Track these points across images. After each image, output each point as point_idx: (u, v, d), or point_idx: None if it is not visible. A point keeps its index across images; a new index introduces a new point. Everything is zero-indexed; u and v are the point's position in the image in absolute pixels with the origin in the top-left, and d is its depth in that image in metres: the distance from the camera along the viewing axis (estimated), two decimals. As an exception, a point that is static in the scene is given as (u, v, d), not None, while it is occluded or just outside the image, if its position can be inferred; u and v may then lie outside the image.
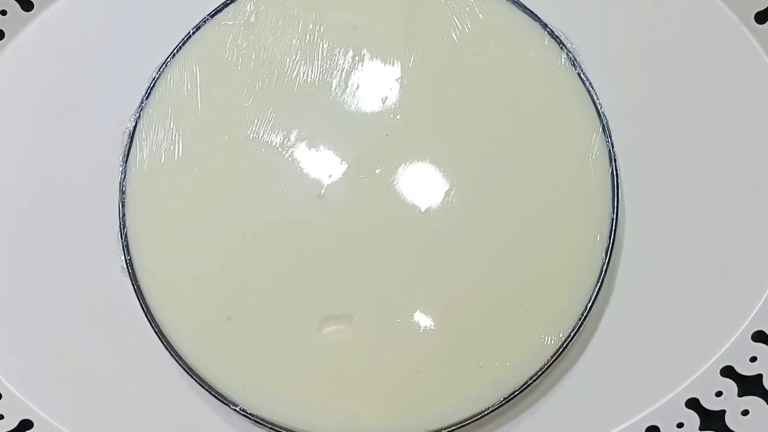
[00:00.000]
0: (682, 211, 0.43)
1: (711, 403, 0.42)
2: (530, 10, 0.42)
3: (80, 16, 0.46)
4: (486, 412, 0.39)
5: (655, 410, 0.42)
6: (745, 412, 0.41)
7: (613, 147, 0.40)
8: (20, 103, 0.46)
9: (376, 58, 0.42)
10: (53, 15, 0.46)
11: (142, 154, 0.42)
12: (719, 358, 0.42)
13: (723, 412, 0.41)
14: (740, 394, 0.41)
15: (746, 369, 0.42)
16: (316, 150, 0.41)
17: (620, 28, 0.45)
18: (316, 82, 0.42)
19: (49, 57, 0.46)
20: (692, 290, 0.43)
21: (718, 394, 0.42)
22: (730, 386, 0.42)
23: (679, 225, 0.43)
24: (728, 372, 0.42)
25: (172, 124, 0.42)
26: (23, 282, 0.44)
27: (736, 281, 0.43)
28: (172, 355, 0.40)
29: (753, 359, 0.42)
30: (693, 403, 0.42)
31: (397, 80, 0.42)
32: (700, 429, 0.42)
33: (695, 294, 0.43)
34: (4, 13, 0.45)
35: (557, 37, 0.41)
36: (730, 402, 0.41)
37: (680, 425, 0.41)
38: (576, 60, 0.41)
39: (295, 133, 0.42)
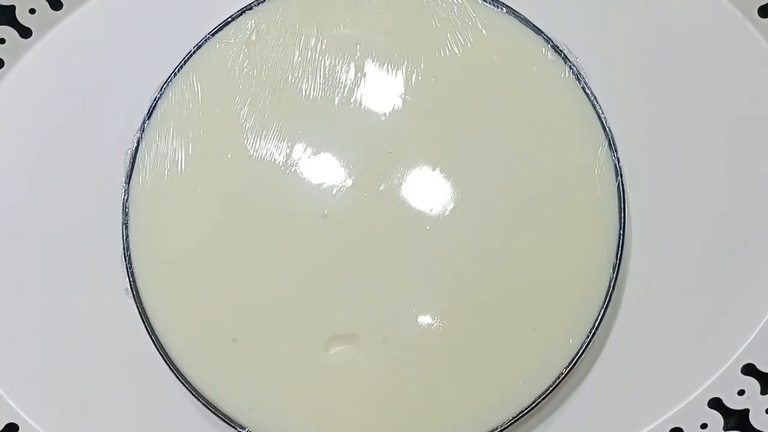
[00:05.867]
0: (691, 222, 0.43)
1: (734, 402, 0.42)
2: (533, 24, 0.41)
3: (80, 37, 0.46)
4: (496, 431, 0.39)
5: (676, 413, 0.42)
6: (770, 410, 0.41)
7: (619, 161, 0.40)
8: (21, 129, 0.45)
9: (379, 74, 0.42)
10: (53, 39, 0.46)
11: (145, 174, 0.42)
12: (740, 356, 0.42)
13: (747, 410, 0.41)
14: (763, 392, 0.41)
15: (768, 366, 0.42)
16: (319, 168, 0.41)
17: (623, 38, 0.44)
18: (319, 98, 0.42)
19: (49, 80, 0.46)
20: (705, 297, 0.42)
21: (741, 392, 0.42)
22: (752, 384, 0.42)
23: (687, 236, 0.43)
24: (750, 370, 0.42)
25: (174, 143, 0.42)
26: (27, 303, 0.44)
27: (749, 284, 0.42)
28: (177, 377, 0.40)
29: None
30: (715, 403, 0.42)
31: (399, 96, 0.41)
32: (724, 429, 0.41)
33: (708, 301, 0.42)
34: (2, 41, 0.45)
35: (561, 51, 0.41)
36: (753, 400, 0.41)
37: (704, 426, 0.41)
38: (580, 74, 0.41)
39: (298, 150, 0.41)
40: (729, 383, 0.42)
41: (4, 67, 0.46)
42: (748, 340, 0.42)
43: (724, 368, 0.42)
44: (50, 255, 0.44)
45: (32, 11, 0.45)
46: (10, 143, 0.45)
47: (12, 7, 0.45)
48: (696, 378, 0.42)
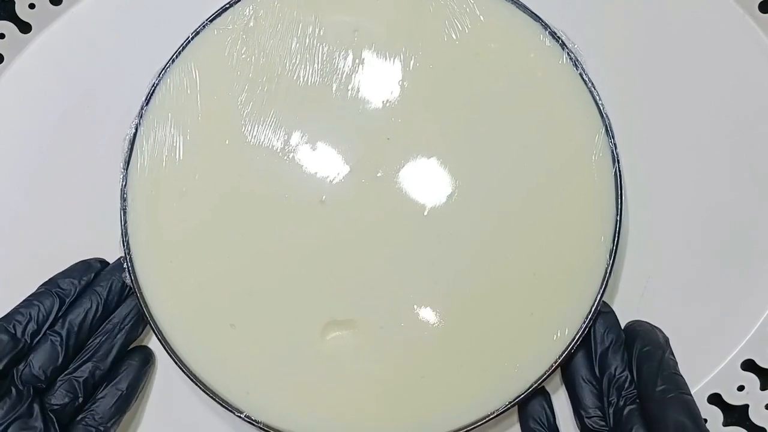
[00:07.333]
0: (689, 210, 0.43)
1: (733, 398, 0.42)
2: (531, 11, 0.41)
3: (80, 33, 0.46)
4: (492, 416, 0.39)
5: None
6: (769, 406, 0.41)
7: (616, 147, 0.40)
8: (21, 124, 0.46)
9: (377, 60, 0.42)
10: (53, 34, 0.46)
11: (143, 161, 0.42)
12: (739, 352, 0.42)
13: (746, 406, 0.42)
14: (763, 388, 0.42)
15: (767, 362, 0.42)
16: (318, 154, 0.41)
17: (622, 26, 0.44)
18: (317, 85, 0.42)
19: (49, 75, 0.46)
20: (704, 292, 0.43)
21: (741, 388, 0.42)
22: (752, 380, 0.42)
23: (686, 226, 0.43)
24: (749, 366, 0.42)
25: (172, 129, 0.42)
26: (26, 293, 0.44)
27: (750, 279, 0.43)
28: (176, 362, 0.40)
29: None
30: (715, 399, 0.42)
31: (397, 83, 0.41)
32: (723, 425, 0.42)
33: (707, 296, 0.43)
34: (2, 36, 0.45)
35: (559, 37, 0.41)
36: (753, 396, 0.42)
37: (704, 421, 0.41)
38: (578, 60, 0.41)
39: (295, 137, 0.41)
40: (729, 379, 0.42)
41: (3, 62, 0.46)
42: (748, 336, 0.42)
43: (723, 364, 0.42)
44: (49, 242, 0.45)
45: (32, 6, 0.45)
46: (9, 138, 0.46)
47: (12, 2, 0.45)
48: (696, 374, 0.42)
